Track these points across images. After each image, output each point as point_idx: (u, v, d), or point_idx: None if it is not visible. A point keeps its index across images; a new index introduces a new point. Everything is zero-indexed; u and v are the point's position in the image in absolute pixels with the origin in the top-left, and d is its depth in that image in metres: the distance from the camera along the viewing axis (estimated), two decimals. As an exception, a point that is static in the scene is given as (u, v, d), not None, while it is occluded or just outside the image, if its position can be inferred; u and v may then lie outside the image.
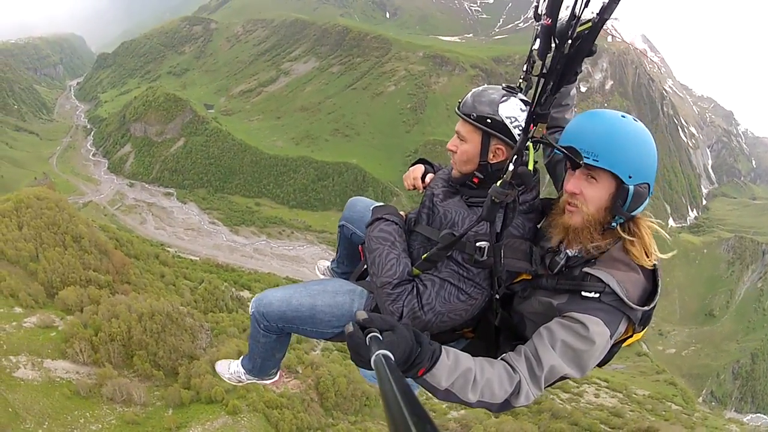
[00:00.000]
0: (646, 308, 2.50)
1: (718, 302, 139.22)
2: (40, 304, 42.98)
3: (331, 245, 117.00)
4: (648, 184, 2.55)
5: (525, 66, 3.27)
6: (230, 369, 3.97)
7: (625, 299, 2.44)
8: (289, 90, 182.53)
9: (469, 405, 2.44)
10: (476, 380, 2.35)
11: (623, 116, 2.51)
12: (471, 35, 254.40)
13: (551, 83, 2.34)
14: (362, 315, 1.93)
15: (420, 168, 3.43)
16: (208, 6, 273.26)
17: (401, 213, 3.21)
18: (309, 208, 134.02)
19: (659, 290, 2.56)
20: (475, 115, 2.76)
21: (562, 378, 2.56)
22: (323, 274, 4.37)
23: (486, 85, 2.93)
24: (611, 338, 2.47)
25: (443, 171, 3.21)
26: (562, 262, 2.65)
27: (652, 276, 2.58)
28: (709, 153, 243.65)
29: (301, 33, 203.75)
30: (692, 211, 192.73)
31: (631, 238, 2.56)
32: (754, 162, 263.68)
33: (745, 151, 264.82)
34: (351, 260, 4.03)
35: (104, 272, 55.49)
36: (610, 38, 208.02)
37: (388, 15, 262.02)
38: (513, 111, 2.74)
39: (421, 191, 3.24)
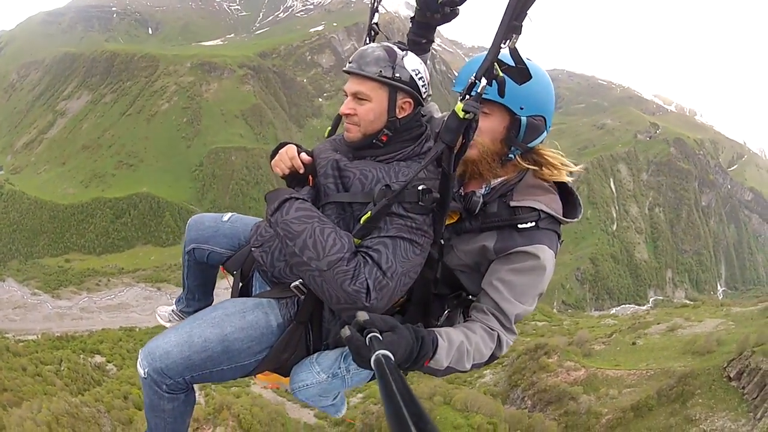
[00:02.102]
0: (575, 220, 2.74)
1: None
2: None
3: (149, 281, 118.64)
4: (543, 117, 2.71)
5: (366, 38, 3.40)
6: None
7: (560, 217, 2.66)
8: (67, 132, 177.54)
9: (463, 373, 2.76)
10: (468, 350, 2.45)
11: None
12: (233, 35, 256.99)
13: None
14: (363, 316, 1.91)
15: (293, 147, 2.97)
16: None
17: None
18: (116, 251, 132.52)
19: (579, 202, 2.81)
20: (379, 70, 2.63)
21: None
22: (170, 322, 3.84)
23: (372, 44, 2.85)
24: (554, 258, 2.68)
25: (326, 142, 3.05)
26: (480, 200, 2.69)
27: (563, 193, 2.79)
28: None
29: (71, 67, 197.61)
30: None
31: (534, 168, 2.72)
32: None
33: None
34: (204, 290, 3.70)
35: None
36: (376, 15, 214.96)
37: (150, 31, 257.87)
38: (415, 63, 2.70)
39: (302, 171, 2.87)
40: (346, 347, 2.43)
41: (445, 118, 2.36)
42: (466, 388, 43.90)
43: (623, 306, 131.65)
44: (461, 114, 2.21)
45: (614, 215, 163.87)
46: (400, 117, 2.69)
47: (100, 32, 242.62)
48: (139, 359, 2.67)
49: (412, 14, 3.00)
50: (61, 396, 44.02)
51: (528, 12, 1.95)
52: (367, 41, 3.31)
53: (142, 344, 2.51)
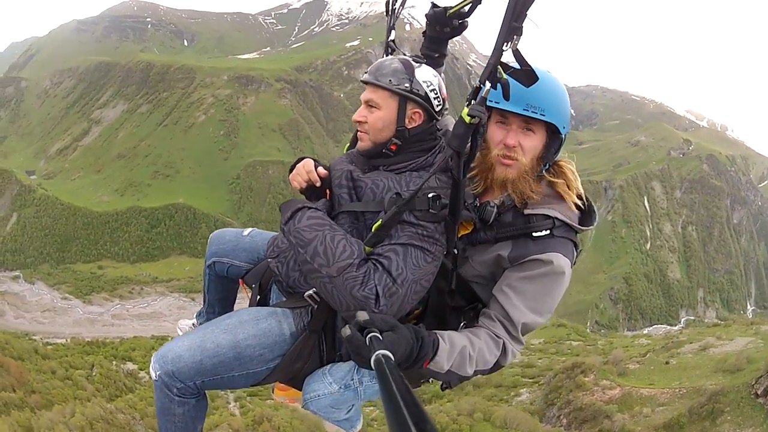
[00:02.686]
0: (591, 227, 2.74)
1: None
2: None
3: (183, 291, 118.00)
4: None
5: (383, 55, 3.36)
6: None
7: (575, 225, 2.66)
8: (102, 140, 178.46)
9: (466, 378, 2.58)
10: (471, 355, 2.43)
11: (548, 71, 2.64)
12: (269, 49, 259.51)
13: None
14: (363, 316, 1.92)
15: (310, 161, 3.03)
16: (17, 63, 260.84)
17: None
18: (150, 260, 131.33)
19: (595, 212, 2.79)
20: (391, 80, 2.71)
21: None
22: None
23: (389, 56, 2.98)
24: (570, 268, 2.66)
25: (343, 156, 3.10)
26: (494, 210, 2.69)
27: (577, 205, 2.76)
28: None
29: (106, 76, 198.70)
30: None
31: (559, 180, 2.75)
32: (573, 111, 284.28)
33: None
34: (225, 304, 3.68)
35: (9, 387, 52.19)
36: (408, 26, 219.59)
37: (186, 42, 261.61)
38: (428, 76, 2.75)
39: (318, 185, 2.95)
40: None
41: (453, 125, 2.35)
42: (505, 405, 43.58)
43: (655, 326, 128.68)
44: (467, 119, 2.20)
45: (648, 234, 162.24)
46: (409, 127, 2.73)
47: (134, 42, 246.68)
48: (151, 362, 2.69)
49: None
50: (96, 401, 40.62)
51: (528, 13, 1.96)
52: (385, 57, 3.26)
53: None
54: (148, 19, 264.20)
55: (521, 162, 2.63)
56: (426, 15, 3.00)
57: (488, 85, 2.17)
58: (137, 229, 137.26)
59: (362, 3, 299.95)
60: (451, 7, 2.85)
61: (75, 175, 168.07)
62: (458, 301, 2.77)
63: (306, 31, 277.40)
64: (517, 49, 2.02)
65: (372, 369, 1.41)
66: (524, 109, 2.54)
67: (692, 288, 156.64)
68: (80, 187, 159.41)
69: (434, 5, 2.94)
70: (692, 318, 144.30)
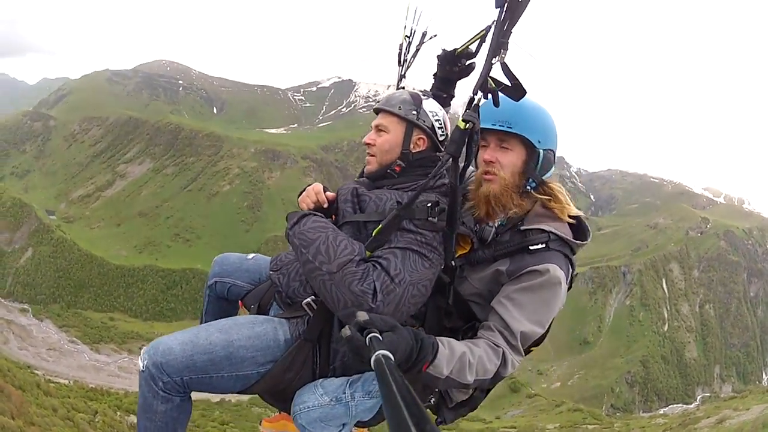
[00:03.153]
0: (585, 242, 2.85)
1: (590, 329, 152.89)
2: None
3: None
4: (553, 152, 2.90)
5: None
6: None
7: (569, 239, 2.76)
8: (126, 194, 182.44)
9: (466, 386, 2.59)
10: (471, 362, 2.43)
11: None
12: (296, 125, 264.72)
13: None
14: (363, 316, 1.91)
15: (319, 184, 3.23)
16: (47, 100, 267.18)
17: None
18: (163, 319, 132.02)
19: (588, 230, 2.91)
20: (401, 107, 3.00)
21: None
22: None
23: (400, 90, 3.36)
24: (566, 281, 2.76)
25: (349, 182, 3.18)
26: (493, 230, 2.84)
27: (572, 225, 2.90)
28: None
29: (135, 132, 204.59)
30: None
31: (547, 201, 2.87)
32: (592, 197, 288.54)
33: (581, 189, 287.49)
34: None
35: (8, 414, 53.03)
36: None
37: (215, 110, 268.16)
38: (434, 107, 3.06)
39: (326, 206, 3.08)
40: (353, 374, 2.79)
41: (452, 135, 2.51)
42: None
43: (671, 406, 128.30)
44: (462, 125, 2.36)
45: (666, 316, 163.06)
46: (413, 151, 3.03)
47: (165, 102, 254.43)
48: (141, 353, 2.67)
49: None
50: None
51: (519, 42, 2.10)
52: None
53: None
54: (179, 82, 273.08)
55: (501, 176, 2.83)
56: (437, 56, 3.34)
57: (480, 94, 2.32)
58: (153, 287, 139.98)
59: (389, 86, 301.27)
60: (459, 47, 3.12)
61: (95, 224, 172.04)
62: (456, 322, 2.91)
63: (333, 111, 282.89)
64: (504, 62, 2.17)
65: (372, 369, 1.43)
66: (492, 124, 2.77)
67: (708, 365, 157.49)
68: (99, 237, 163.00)
69: (445, 49, 3.29)
70: (708, 395, 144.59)
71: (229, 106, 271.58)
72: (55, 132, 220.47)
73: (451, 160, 2.52)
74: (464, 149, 2.51)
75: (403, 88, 3.70)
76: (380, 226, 2.60)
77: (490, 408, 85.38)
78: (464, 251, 2.88)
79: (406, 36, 3.86)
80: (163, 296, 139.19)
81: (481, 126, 2.66)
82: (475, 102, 2.36)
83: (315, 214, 2.84)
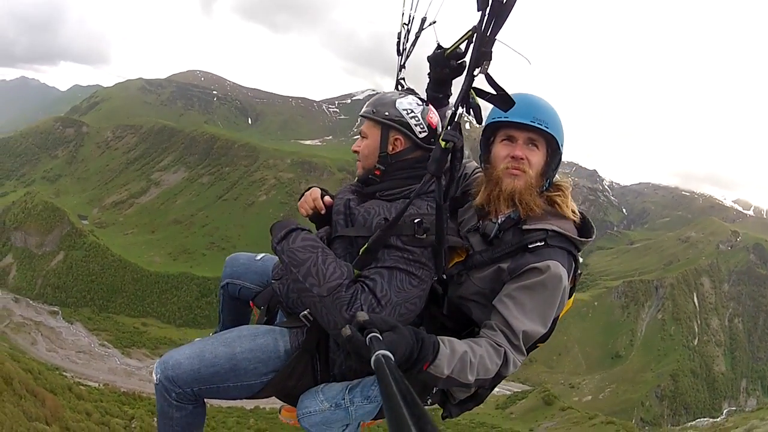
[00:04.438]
0: (589, 239, 2.84)
1: (622, 343, 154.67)
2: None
3: None
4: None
5: (395, 87, 3.73)
6: None
7: (570, 235, 2.76)
8: (160, 202, 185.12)
9: (467, 386, 2.55)
10: (472, 361, 2.42)
11: (536, 95, 2.87)
12: (331, 137, 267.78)
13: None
14: (363, 316, 1.91)
15: (317, 190, 3.32)
16: (79, 107, 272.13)
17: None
18: (196, 326, 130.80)
19: (593, 227, 2.90)
20: (374, 110, 2.98)
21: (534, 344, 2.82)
22: None
23: (382, 91, 3.25)
24: (567, 278, 2.72)
25: (346, 185, 3.27)
26: (495, 227, 2.83)
27: (576, 223, 2.90)
28: None
29: (169, 141, 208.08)
30: None
31: (555, 197, 2.89)
32: (624, 210, 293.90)
33: (614, 203, 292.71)
34: (238, 324, 3.54)
35: (43, 420, 52.15)
36: (468, 125, 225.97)
37: (250, 121, 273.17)
38: (410, 105, 2.96)
39: (323, 212, 3.20)
40: (353, 380, 2.87)
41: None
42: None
43: (698, 420, 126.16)
44: (442, 144, 2.31)
45: (696, 330, 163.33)
46: (391, 153, 2.99)
47: (199, 112, 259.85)
48: (155, 366, 2.90)
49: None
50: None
51: (496, 38, 1.99)
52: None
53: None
54: (214, 92, 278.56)
55: (528, 174, 2.84)
56: (427, 58, 3.31)
57: (461, 109, 2.27)
58: (187, 294, 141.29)
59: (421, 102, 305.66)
60: (448, 49, 3.10)
61: (128, 230, 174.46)
62: (453, 326, 2.96)
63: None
64: (488, 73, 2.08)
65: (372, 369, 1.43)
66: (531, 121, 2.76)
67: (735, 379, 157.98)
68: (133, 243, 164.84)
69: (437, 47, 3.25)
70: (734, 408, 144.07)
71: (263, 117, 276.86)
72: (87, 138, 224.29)
73: (434, 178, 2.47)
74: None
75: (403, 79, 3.84)
76: (366, 245, 2.64)
77: (523, 421, 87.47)
78: (460, 259, 2.93)
79: (404, 24, 3.83)
80: (197, 303, 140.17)
81: (518, 120, 2.78)
82: (456, 118, 2.31)
83: (302, 229, 2.89)
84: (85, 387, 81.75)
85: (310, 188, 3.38)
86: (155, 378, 2.86)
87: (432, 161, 2.39)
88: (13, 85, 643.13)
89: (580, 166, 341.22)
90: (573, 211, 2.90)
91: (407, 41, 3.84)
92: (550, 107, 2.83)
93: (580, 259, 2.89)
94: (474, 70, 2.09)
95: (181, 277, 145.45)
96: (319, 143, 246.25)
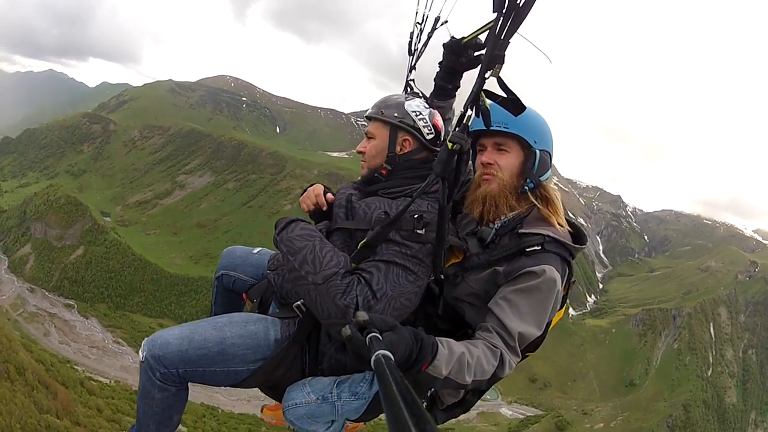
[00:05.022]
0: (583, 246, 2.87)
1: (637, 371, 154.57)
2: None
3: None
4: (549, 154, 2.94)
5: (405, 88, 3.89)
6: None
7: (566, 241, 2.78)
8: (184, 205, 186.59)
9: (463, 387, 2.55)
10: (469, 362, 2.44)
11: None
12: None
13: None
14: (363, 316, 1.91)
15: (320, 186, 3.40)
16: (107, 104, 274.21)
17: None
18: None
19: (585, 234, 2.94)
20: (382, 111, 3.04)
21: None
22: None
23: (389, 93, 3.27)
24: (561, 283, 2.74)
25: (347, 184, 3.32)
26: (493, 232, 2.85)
27: (569, 231, 2.92)
28: (599, 239, 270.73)
29: (197, 144, 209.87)
30: (590, 297, 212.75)
31: (542, 204, 2.90)
32: (646, 237, 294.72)
33: (636, 230, 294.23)
34: None
35: (54, 413, 51.23)
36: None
37: (278, 130, 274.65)
38: (418, 107, 3.03)
39: (325, 208, 3.25)
40: (341, 375, 2.88)
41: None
42: None
43: None
44: (449, 145, 2.32)
45: (710, 360, 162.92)
46: (400, 153, 3.05)
47: (228, 118, 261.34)
48: (142, 344, 2.89)
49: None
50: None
51: (510, 41, 1.96)
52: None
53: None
54: (243, 99, 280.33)
55: (500, 177, 2.89)
56: (443, 44, 3.30)
57: (470, 111, 2.28)
58: (206, 298, 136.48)
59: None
60: (466, 36, 3.07)
61: (151, 230, 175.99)
62: (448, 327, 2.99)
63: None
64: (500, 77, 2.07)
65: (361, 369, 1.44)
66: (490, 126, 2.59)
67: (746, 411, 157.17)
68: (154, 243, 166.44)
69: (453, 37, 3.25)
70: None
71: (291, 127, 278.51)
72: (114, 136, 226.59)
73: (439, 179, 2.49)
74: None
75: (413, 80, 3.91)
76: (365, 239, 2.65)
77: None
78: (457, 260, 2.94)
79: (417, 23, 3.85)
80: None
81: (477, 129, 2.83)
82: (465, 120, 2.31)
83: (302, 221, 2.90)
84: (96, 382, 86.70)
85: (312, 185, 3.47)
86: (141, 355, 2.84)
87: (438, 162, 2.40)
88: (42, 78, 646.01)
89: (605, 191, 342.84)
90: (561, 225, 2.89)
91: (419, 41, 3.89)
92: None
93: (575, 267, 2.91)
94: (486, 72, 2.08)
95: (201, 280, 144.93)
96: (346, 155, 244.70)
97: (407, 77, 3.93)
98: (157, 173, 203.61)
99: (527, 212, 2.92)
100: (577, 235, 2.95)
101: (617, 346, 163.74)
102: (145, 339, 2.87)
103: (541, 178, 2.95)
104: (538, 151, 2.89)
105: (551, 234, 2.77)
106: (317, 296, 2.55)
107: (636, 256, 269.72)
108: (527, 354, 2.92)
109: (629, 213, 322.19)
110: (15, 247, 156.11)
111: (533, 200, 2.92)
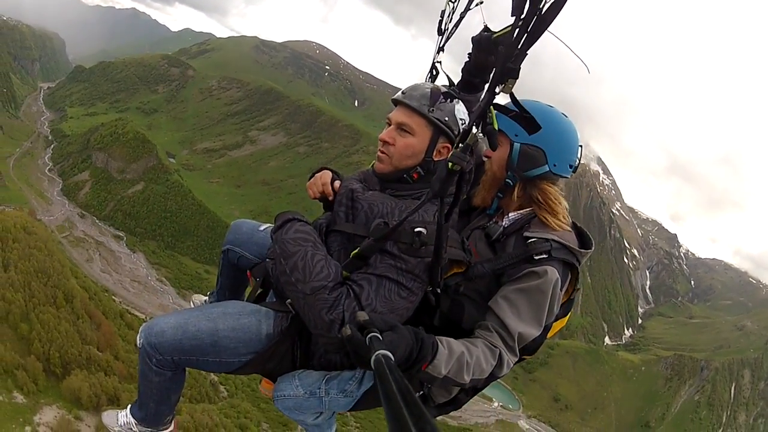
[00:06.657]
0: (589, 251, 2.85)
1: (654, 414, 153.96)
2: (40, 388, 42.65)
3: None
4: (542, 151, 2.84)
5: (427, 77, 3.69)
6: (119, 421, 3.40)
7: (573, 247, 2.76)
8: (253, 160, 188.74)
9: (462, 386, 2.60)
10: (468, 362, 2.45)
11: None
12: None
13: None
14: (362, 316, 1.89)
15: (328, 173, 3.20)
16: (188, 51, 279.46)
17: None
18: None
19: (590, 238, 2.92)
20: (432, 109, 2.71)
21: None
22: None
23: (427, 82, 3.03)
24: (561, 287, 2.74)
25: (357, 173, 3.17)
26: (500, 230, 2.87)
27: (575, 234, 2.92)
28: (648, 274, 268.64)
29: (274, 104, 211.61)
30: (628, 329, 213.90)
31: (536, 206, 2.91)
32: (693, 282, 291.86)
33: (685, 273, 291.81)
34: (235, 290, 3.87)
35: (96, 345, 53.59)
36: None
37: (357, 103, 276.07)
38: (465, 115, 2.80)
39: (331, 198, 3.07)
40: (331, 371, 2.87)
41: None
42: None
43: None
44: (449, 165, 2.19)
45: (723, 420, 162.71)
46: (435, 159, 2.80)
47: (309, 83, 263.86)
48: (139, 331, 2.92)
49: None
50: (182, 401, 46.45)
51: (528, 52, 1.84)
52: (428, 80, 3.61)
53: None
54: (326, 67, 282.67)
55: (489, 168, 3.01)
56: (472, 38, 3.17)
57: (475, 129, 2.30)
58: None
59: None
60: (497, 32, 2.85)
61: (214, 178, 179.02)
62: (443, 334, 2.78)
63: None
64: (512, 93, 2.00)
65: (371, 369, 1.42)
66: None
67: None
68: (216, 192, 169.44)
69: (485, 29, 3.09)
70: None
71: (370, 103, 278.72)
72: (192, 82, 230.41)
73: (436, 198, 2.36)
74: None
75: (440, 62, 3.56)
76: (358, 249, 2.56)
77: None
78: (460, 270, 2.86)
79: (450, 1, 3.36)
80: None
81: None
82: (468, 140, 2.27)
83: (299, 220, 2.80)
84: (132, 316, 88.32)
85: (321, 169, 3.28)
86: (138, 342, 2.91)
87: (436, 180, 2.28)
88: (123, 16, 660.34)
89: (662, 227, 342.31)
90: (562, 226, 2.88)
91: (450, 21, 3.45)
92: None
93: (580, 273, 2.92)
94: (496, 87, 1.95)
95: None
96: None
97: (434, 58, 3.61)
98: (229, 125, 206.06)
99: (533, 214, 2.92)
100: (584, 239, 2.94)
101: (643, 384, 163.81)
102: (142, 325, 2.93)
103: (526, 174, 2.89)
104: (516, 144, 2.84)
105: (558, 239, 2.76)
106: (305, 305, 2.52)
107: (679, 299, 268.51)
108: (524, 357, 2.92)
109: (682, 254, 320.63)
110: (72, 172, 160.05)
111: (515, 192, 2.95)
